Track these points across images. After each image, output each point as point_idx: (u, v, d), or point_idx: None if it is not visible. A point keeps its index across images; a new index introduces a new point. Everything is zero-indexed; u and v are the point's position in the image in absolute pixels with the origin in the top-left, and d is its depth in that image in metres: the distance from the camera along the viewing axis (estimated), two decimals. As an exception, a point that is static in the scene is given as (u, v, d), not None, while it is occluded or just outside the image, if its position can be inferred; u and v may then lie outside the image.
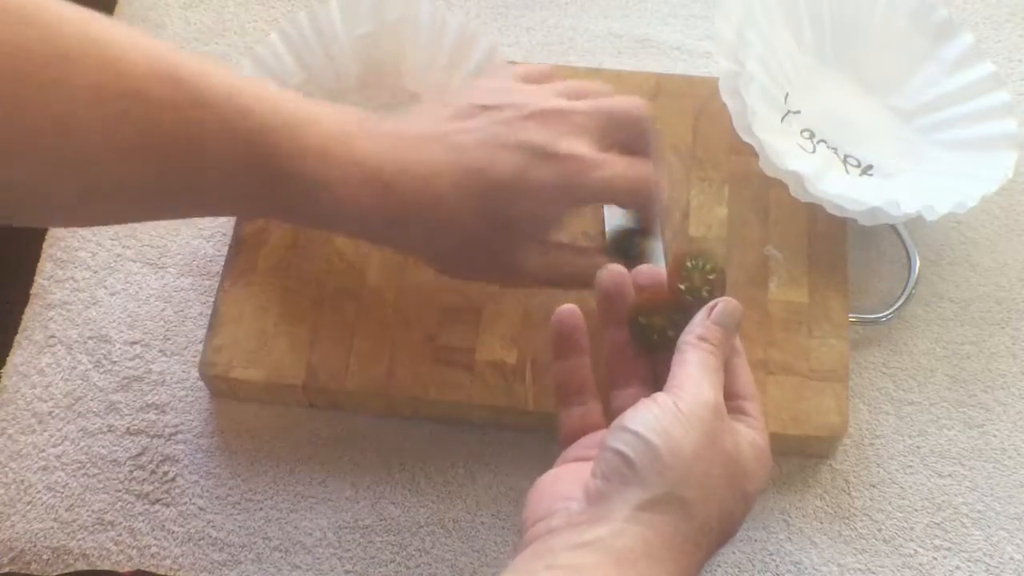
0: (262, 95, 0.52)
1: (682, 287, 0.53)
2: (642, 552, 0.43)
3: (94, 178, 0.49)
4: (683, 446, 0.45)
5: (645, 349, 0.54)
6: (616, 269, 0.54)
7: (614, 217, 0.65)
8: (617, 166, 0.56)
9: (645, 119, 0.58)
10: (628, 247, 0.62)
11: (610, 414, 0.52)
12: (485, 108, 0.56)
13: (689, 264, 0.53)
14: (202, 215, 0.55)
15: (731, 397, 0.51)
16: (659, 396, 0.47)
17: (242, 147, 0.51)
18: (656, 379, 0.54)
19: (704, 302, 0.52)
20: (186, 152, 0.50)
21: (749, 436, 0.49)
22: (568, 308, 0.54)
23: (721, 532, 0.47)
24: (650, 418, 0.46)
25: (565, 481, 0.49)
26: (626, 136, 0.57)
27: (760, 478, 0.48)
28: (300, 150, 0.52)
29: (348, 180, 0.53)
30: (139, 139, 0.48)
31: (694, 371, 0.48)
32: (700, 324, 0.51)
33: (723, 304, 0.52)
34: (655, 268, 0.56)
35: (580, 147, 0.55)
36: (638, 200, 0.58)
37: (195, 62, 0.50)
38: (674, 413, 0.46)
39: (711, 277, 0.53)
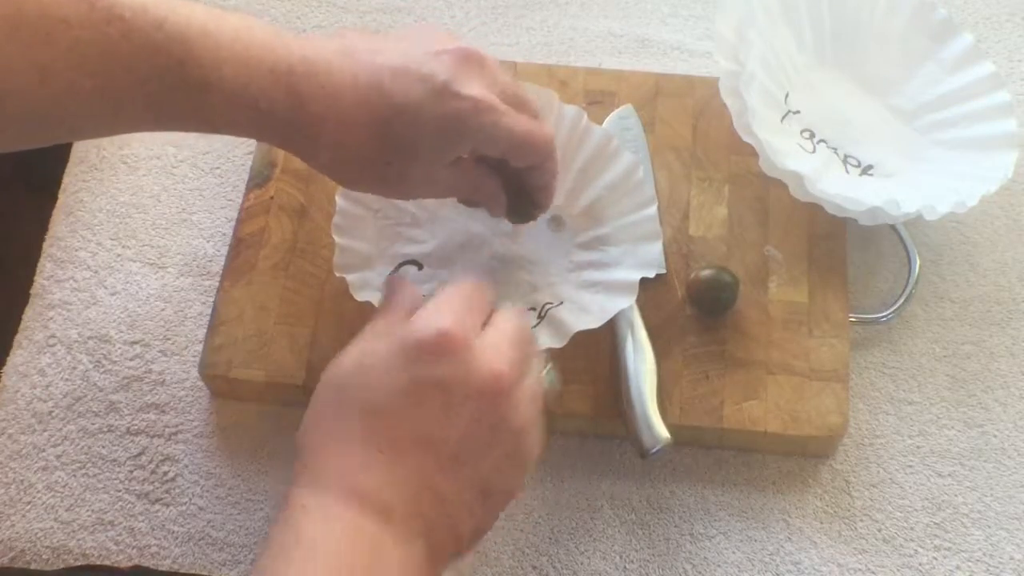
0: (174, 4, 0.52)
1: None
2: None
3: (21, 101, 0.50)
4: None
5: None
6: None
7: None
8: (516, 118, 0.56)
9: (538, 110, 0.60)
10: (521, 210, 0.63)
11: None
12: (410, 39, 0.57)
13: None
14: (133, 130, 0.58)
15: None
16: None
17: (161, 58, 0.51)
18: None
19: None
20: (106, 68, 0.51)
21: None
22: None
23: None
24: None
25: None
26: (524, 112, 0.58)
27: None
28: (219, 57, 0.52)
29: (265, 87, 0.53)
30: (60, 60, 0.49)
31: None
32: None
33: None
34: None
35: (482, 91, 0.55)
36: (531, 156, 0.58)
37: None
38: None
39: None
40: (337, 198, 0.67)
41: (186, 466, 0.67)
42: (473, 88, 0.55)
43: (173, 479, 0.66)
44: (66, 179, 0.76)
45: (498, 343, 0.51)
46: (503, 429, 0.50)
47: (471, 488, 0.49)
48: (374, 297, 0.63)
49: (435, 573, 0.49)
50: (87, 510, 0.65)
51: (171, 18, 0.51)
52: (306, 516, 0.46)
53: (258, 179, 0.72)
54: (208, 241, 0.74)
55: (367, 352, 0.51)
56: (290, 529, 0.46)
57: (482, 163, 0.60)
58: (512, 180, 0.61)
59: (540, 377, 0.54)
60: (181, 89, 0.52)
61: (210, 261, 0.73)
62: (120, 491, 0.66)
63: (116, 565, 0.64)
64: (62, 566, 0.64)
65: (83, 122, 0.55)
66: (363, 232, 0.66)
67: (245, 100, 0.53)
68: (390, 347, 0.50)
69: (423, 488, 0.48)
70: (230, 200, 0.75)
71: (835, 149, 0.72)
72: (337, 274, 0.64)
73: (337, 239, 0.65)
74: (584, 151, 0.67)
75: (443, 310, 0.50)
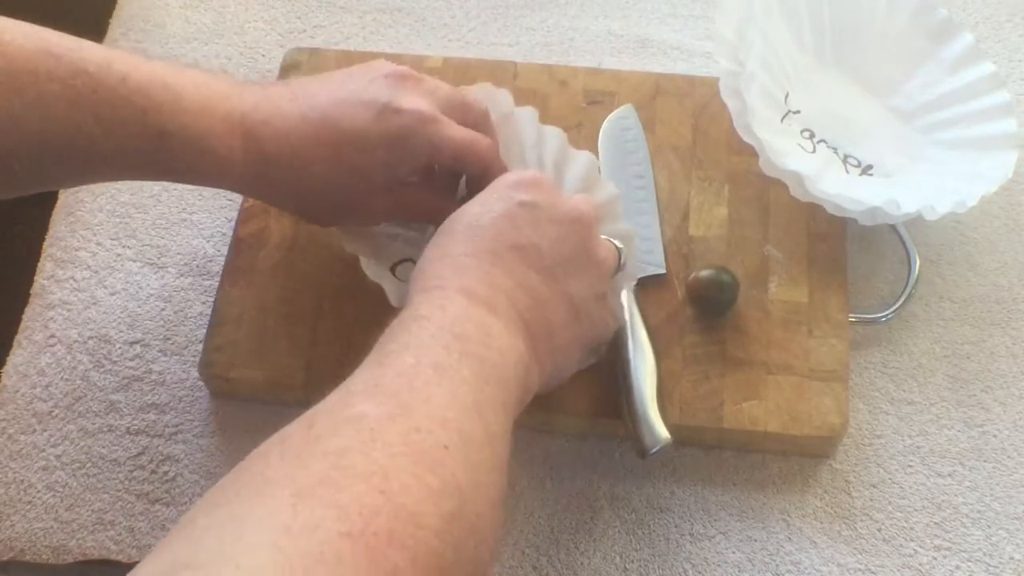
0: (136, 62, 0.56)
1: None
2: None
3: None
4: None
5: None
6: None
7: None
8: (455, 128, 0.60)
9: (486, 112, 0.63)
10: None
11: None
12: (347, 74, 0.62)
13: None
14: (100, 179, 0.63)
15: None
16: None
17: (124, 108, 0.55)
18: None
19: None
20: (73, 119, 0.54)
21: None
22: None
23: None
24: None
25: None
26: (470, 119, 0.62)
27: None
28: (179, 107, 0.56)
29: (221, 133, 0.57)
30: (29, 111, 0.53)
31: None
32: None
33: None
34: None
35: (422, 105, 0.59)
36: (473, 164, 0.61)
37: (69, 39, 0.55)
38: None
39: None
40: None
41: (186, 466, 0.67)
42: (413, 103, 0.59)
43: (173, 479, 0.66)
44: (66, 179, 0.76)
45: (582, 198, 0.59)
46: (586, 255, 0.57)
47: (563, 300, 0.55)
48: (383, 279, 0.63)
49: (535, 377, 0.53)
50: (87, 510, 0.65)
51: (133, 73, 0.55)
52: (422, 301, 0.51)
53: (258, 179, 0.72)
54: (208, 241, 0.74)
55: (475, 201, 0.57)
56: (406, 313, 0.51)
57: (435, 185, 0.64)
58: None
59: (613, 243, 0.61)
60: (143, 137, 0.56)
61: (210, 261, 0.73)
62: (120, 491, 0.66)
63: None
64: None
65: (51, 172, 0.58)
66: (365, 228, 0.66)
67: (204, 146, 0.57)
68: (492, 189, 0.57)
69: (519, 287, 0.53)
70: (230, 200, 0.75)
71: (835, 149, 0.72)
72: (348, 250, 0.64)
73: (342, 232, 0.65)
74: (569, 177, 0.67)
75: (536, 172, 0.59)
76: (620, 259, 0.60)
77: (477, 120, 0.62)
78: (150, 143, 0.56)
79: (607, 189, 0.65)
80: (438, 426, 0.44)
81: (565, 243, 0.56)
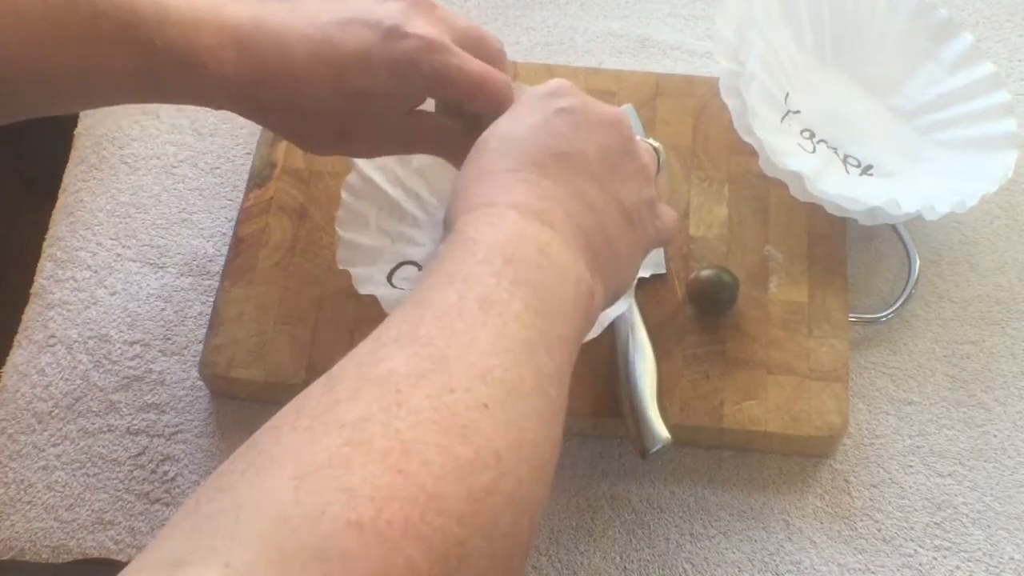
0: None
1: None
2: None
3: None
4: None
5: None
6: None
7: None
8: (466, 58, 0.56)
9: (502, 49, 0.60)
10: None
11: None
12: None
13: None
14: (92, 104, 0.61)
15: None
16: None
17: (107, 24, 0.52)
18: None
19: None
20: (54, 38, 0.52)
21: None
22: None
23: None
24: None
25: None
26: (484, 53, 0.58)
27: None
28: (166, 20, 0.53)
29: (212, 47, 0.54)
30: (8, 34, 0.51)
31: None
32: None
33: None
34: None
35: (432, 31, 0.55)
36: (485, 100, 0.57)
37: None
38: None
39: None
40: (342, 193, 0.67)
41: (186, 466, 0.67)
42: (423, 28, 0.55)
43: (173, 479, 0.66)
44: (66, 179, 0.76)
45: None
46: (630, 158, 0.53)
47: (616, 207, 0.51)
48: (378, 291, 0.63)
49: (599, 299, 0.50)
50: (87, 510, 0.65)
51: None
52: (468, 222, 0.47)
53: (258, 179, 0.72)
54: (208, 241, 0.74)
55: (505, 117, 0.53)
56: (453, 236, 0.47)
57: (441, 114, 0.60)
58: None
59: (651, 144, 0.58)
60: (129, 55, 0.53)
61: (210, 261, 0.73)
62: (120, 491, 0.66)
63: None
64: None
65: (37, 97, 0.55)
66: (366, 227, 0.66)
67: (193, 62, 0.54)
68: (520, 103, 0.54)
69: (573, 197, 0.50)
70: (230, 200, 0.75)
71: (835, 149, 0.72)
72: (340, 267, 0.64)
73: (340, 233, 0.65)
74: None
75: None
76: (660, 161, 0.58)
77: (492, 56, 0.58)
78: (136, 61, 0.53)
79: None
80: (477, 380, 0.39)
81: (609, 147, 0.52)
